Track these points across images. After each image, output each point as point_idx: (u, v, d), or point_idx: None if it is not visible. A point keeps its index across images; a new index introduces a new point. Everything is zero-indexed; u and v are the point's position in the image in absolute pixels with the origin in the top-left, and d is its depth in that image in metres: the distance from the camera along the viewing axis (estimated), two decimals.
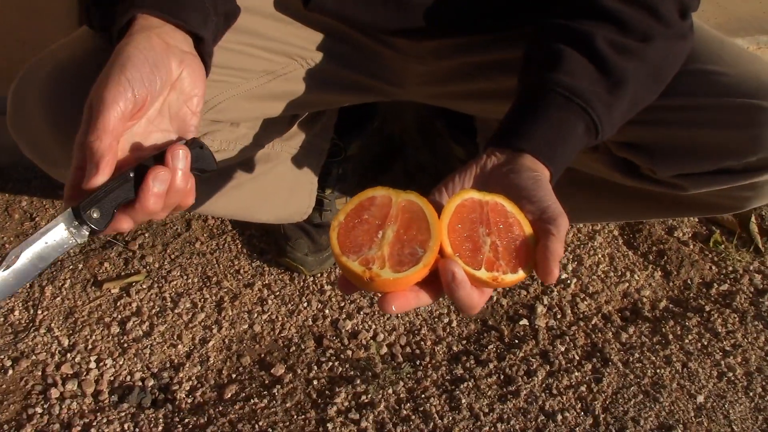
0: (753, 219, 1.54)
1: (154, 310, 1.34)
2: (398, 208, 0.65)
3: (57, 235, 0.67)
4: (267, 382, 1.25)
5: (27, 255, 0.66)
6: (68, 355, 1.26)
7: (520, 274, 0.65)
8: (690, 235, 1.55)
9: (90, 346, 1.28)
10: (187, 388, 1.23)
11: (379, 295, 0.64)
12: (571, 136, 0.76)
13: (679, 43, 0.85)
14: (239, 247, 1.47)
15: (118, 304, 1.35)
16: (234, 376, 1.26)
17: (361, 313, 1.36)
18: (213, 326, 1.33)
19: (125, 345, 1.28)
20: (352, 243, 0.63)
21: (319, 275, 1.43)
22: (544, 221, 0.67)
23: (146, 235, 1.49)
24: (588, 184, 1.17)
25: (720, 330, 1.35)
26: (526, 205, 0.68)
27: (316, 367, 1.27)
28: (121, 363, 1.25)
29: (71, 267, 1.41)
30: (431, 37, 1.01)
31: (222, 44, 0.83)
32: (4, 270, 0.65)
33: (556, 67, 0.78)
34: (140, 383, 1.23)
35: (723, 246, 1.52)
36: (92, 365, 1.25)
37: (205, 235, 1.49)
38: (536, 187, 0.69)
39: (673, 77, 0.87)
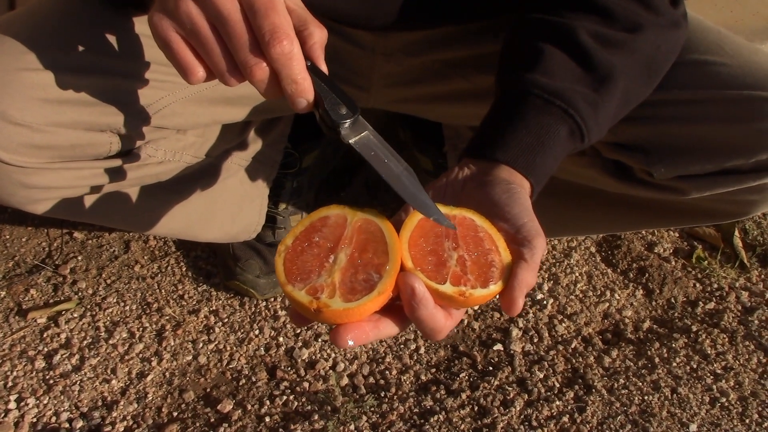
0: (736, 233, 1.45)
1: (85, 342, 1.20)
2: (353, 228, 0.59)
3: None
4: (213, 420, 1.11)
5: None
6: None
7: (492, 289, 0.57)
8: (671, 250, 1.45)
9: (10, 384, 1.14)
10: (122, 429, 1.10)
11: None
12: (553, 143, 0.70)
13: (672, 31, 0.79)
14: (183, 270, 1.34)
15: (45, 335, 1.21)
16: (175, 414, 1.12)
17: (319, 340, 1.24)
18: (152, 358, 1.19)
19: (51, 381, 1.14)
20: (299, 270, 0.57)
21: (272, 299, 1.31)
22: (517, 243, 0.59)
23: (79, 258, 1.34)
24: (567, 194, 1.08)
25: (709, 352, 1.25)
26: (499, 223, 0.61)
27: (268, 402, 1.14)
28: (45, 402, 1.12)
29: None
30: (400, 29, 0.93)
31: None
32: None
33: (534, 67, 0.72)
34: (67, 425, 1.09)
35: (706, 262, 1.42)
36: (12, 405, 1.11)
37: (145, 257, 1.36)
38: (511, 202, 0.62)
39: (669, 70, 0.81)
